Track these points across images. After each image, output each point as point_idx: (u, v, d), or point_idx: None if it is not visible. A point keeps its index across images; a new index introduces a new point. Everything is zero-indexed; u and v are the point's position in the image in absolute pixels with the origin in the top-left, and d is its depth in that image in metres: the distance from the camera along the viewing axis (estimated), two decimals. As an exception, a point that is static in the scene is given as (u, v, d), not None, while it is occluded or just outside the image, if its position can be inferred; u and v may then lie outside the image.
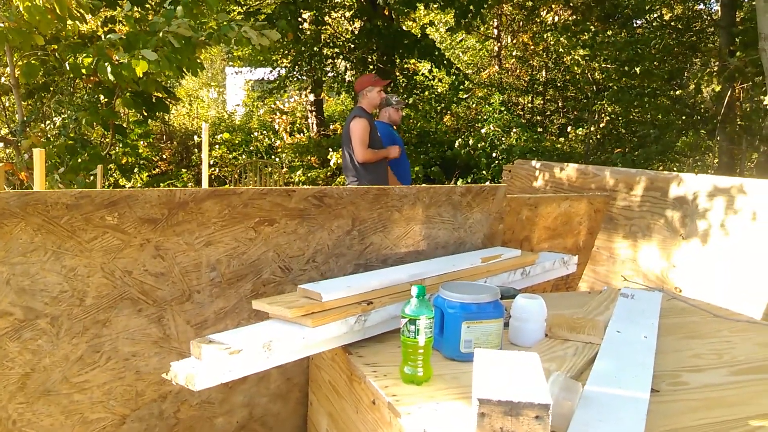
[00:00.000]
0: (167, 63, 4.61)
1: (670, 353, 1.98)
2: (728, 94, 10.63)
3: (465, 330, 1.82)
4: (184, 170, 12.39)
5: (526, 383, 1.38)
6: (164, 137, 13.65)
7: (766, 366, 1.91)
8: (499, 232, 2.84)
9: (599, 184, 4.31)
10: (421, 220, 2.60)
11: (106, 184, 8.29)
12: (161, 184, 11.32)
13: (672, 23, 14.29)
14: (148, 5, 6.10)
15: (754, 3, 5.45)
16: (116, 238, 1.88)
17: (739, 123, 11.11)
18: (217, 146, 12.83)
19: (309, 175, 11.53)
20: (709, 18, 14.27)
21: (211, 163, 12.33)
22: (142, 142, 11.02)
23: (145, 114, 5.94)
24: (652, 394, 1.63)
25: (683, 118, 12.14)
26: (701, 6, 14.88)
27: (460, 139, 11.48)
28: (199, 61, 5.24)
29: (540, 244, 3.08)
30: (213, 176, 12.42)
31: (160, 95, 5.88)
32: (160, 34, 4.66)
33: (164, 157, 13.10)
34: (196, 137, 13.08)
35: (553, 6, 13.24)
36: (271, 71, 12.37)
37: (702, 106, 12.94)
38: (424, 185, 2.63)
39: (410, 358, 1.67)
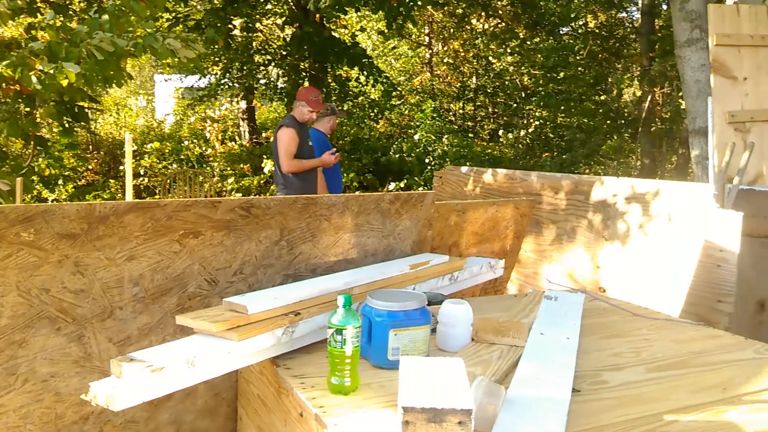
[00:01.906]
0: (92, 76, 4.49)
1: (591, 353, 2.04)
2: (649, 98, 11.05)
3: (392, 338, 1.83)
4: (112, 181, 12.05)
5: (450, 389, 1.40)
6: (90, 147, 13.25)
7: (680, 362, 1.99)
8: (427, 238, 2.88)
9: (526, 189, 4.42)
10: (350, 229, 2.60)
11: (28, 198, 7.99)
12: (87, 196, 10.98)
13: (596, 30, 14.79)
14: (71, 12, 5.92)
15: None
16: (33, 255, 1.82)
17: (659, 126, 11.58)
18: (146, 155, 12.54)
19: (242, 183, 11.39)
20: (630, 25, 14.83)
21: (141, 172, 12.05)
22: (68, 153, 10.67)
23: (67, 124, 5.74)
24: (573, 394, 1.68)
25: (608, 122, 12.56)
26: (623, 14, 15.46)
27: (394, 146, 11.57)
28: (126, 71, 5.11)
29: (468, 249, 3.13)
30: (142, 186, 12.14)
31: (84, 104, 5.71)
32: (83, 48, 4.52)
33: (90, 167, 12.71)
34: (124, 146, 12.74)
35: (482, 14, 13.48)
36: (201, 79, 12.16)
37: (625, 110, 13.42)
38: (352, 193, 2.64)
39: (337, 368, 1.67)
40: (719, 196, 3.74)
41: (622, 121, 12.78)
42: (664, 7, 11.95)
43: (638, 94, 11.68)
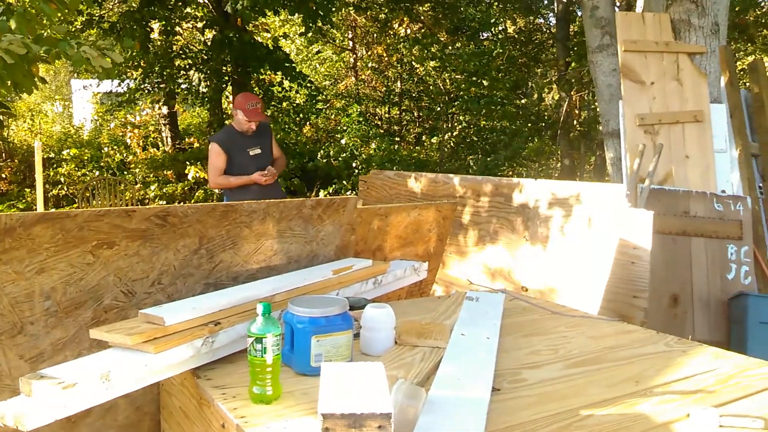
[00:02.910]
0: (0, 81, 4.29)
1: (511, 352, 2.09)
2: (566, 102, 11.40)
3: (315, 344, 1.83)
4: (27, 190, 11.56)
5: (370, 394, 1.40)
6: (4, 155, 12.68)
7: (596, 358, 2.06)
8: (351, 243, 2.88)
9: (449, 192, 4.49)
10: (272, 235, 2.58)
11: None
12: (0, 207, 10.50)
13: (515, 36, 15.17)
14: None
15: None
16: (-68, 271, 1.73)
17: (577, 129, 11.98)
18: (64, 163, 12.10)
19: (165, 190, 11.13)
20: (548, 31, 15.28)
21: (62, 180, 11.63)
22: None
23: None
24: (493, 393, 1.71)
25: (529, 125, 12.89)
26: (541, 20, 15.91)
27: (321, 151, 11.54)
28: (38, 76, 4.90)
29: (392, 253, 3.15)
30: (60, 195, 11.71)
31: (-8, 110, 5.46)
32: None
33: (4, 176, 12.16)
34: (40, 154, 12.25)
35: (405, 19, 13.62)
36: (120, 84, 11.81)
37: (545, 113, 13.81)
38: (274, 200, 2.62)
39: (258, 377, 1.65)
40: (632, 195, 3.90)
41: (543, 124, 13.17)
42: (579, 13, 12.37)
43: (557, 97, 12.06)
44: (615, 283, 3.57)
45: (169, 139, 12.80)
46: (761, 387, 1.82)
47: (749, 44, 13.51)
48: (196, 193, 11.24)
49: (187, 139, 12.85)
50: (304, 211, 2.68)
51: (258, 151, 4.65)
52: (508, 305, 2.62)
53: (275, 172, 4.62)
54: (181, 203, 10.71)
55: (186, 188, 11.24)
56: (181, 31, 12.44)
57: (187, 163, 11.10)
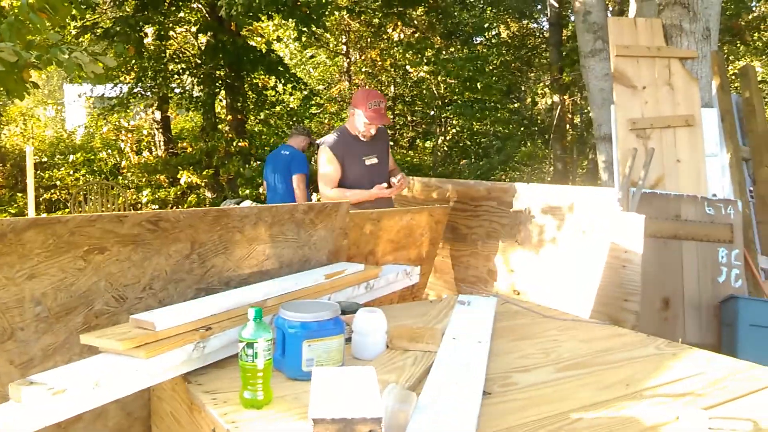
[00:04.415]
0: None
1: (502, 355, 2.09)
2: (559, 106, 11.44)
3: (306, 349, 1.83)
4: (19, 194, 11.52)
5: (360, 398, 1.41)
6: (-5, 160, 12.66)
7: (585, 361, 2.07)
8: (343, 247, 2.88)
9: (442, 196, 4.50)
10: (264, 240, 2.58)
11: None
12: (-8, 211, 10.48)
13: (509, 41, 15.23)
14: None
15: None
16: None
17: (570, 133, 12.02)
18: (55, 168, 12.07)
19: (158, 195, 11.11)
20: (541, 36, 15.33)
21: (57, 184, 11.60)
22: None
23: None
24: (484, 397, 1.72)
25: (522, 129, 12.94)
26: (534, 25, 15.98)
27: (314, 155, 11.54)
28: (30, 82, 4.89)
29: (385, 257, 3.16)
30: (53, 199, 11.68)
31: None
32: None
33: (-5, 181, 12.15)
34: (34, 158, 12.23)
35: (399, 23, 13.65)
36: (113, 88, 11.79)
37: (538, 117, 13.86)
38: (265, 205, 2.62)
39: (249, 382, 1.65)
40: (623, 199, 3.91)
41: (535, 129, 13.21)
42: (572, 18, 12.43)
43: (550, 102, 12.12)
44: (606, 287, 3.58)
45: (162, 144, 12.78)
46: (750, 389, 1.83)
47: (742, 47, 13.59)
48: (189, 198, 11.22)
49: (180, 144, 12.83)
50: (297, 216, 2.68)
51: (374, 160, 3.97)
52: (499, 309, 2.63)
53: (403, 185, 3.95)
54: (174, 208, 10.70)
55: (179, 193, 11.22)
56: (174, 36, 12.44)
57: (180, 167, 11.07)
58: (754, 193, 4.77)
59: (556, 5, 11.62)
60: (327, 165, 3.85)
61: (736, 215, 4.21)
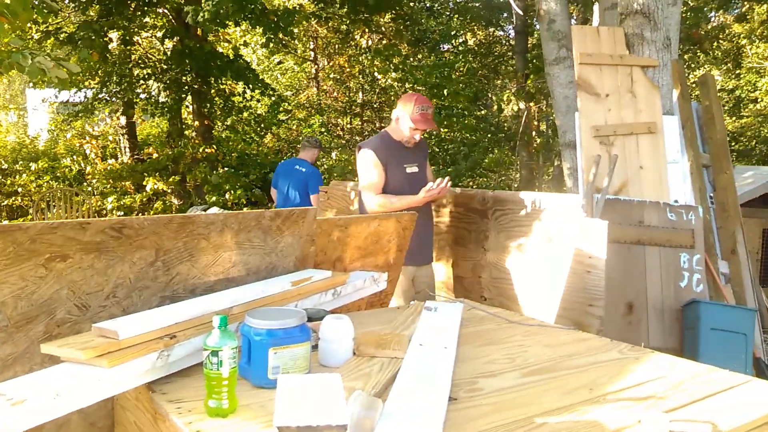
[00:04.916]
0: None
1: (468, 361, 2.11)
2: (525, 113, 11.58)
3: (272, 356, 1.82)
4: (-22, 201, 11.30)
5: (326, 405, 1.41)
6: (-47, 167, 12.38)
7: (550, 366, 2.09)
8: (310, 254, 2.88)
9: (410, 202, 4.51)
10: (230, 247, 2.56)
11: None
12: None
13: (475, 48, 15.38)
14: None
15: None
16: None
17: (536, 140, 12.17)
18: (18, 174, 11.85)
19: (123, 201, 10.96)
20: (507, 43, 15.51)
21: (18, 191, 11.38)
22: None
23: None
24: (450, 403, 1.72)
25: (489, 136, 13.06)
26: (500, 32, 16.16)
27: (282, 161, 11.51)
28: None
29: (352, 264, 3.15)
30: (15, 206, 11.46)
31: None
32: None
33: (-47, 188, 11.87)
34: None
35: (366, 30, 13.70)
36: (77, 93, 11.62)
37: (505, 124, 14.01)
38: (232, 211, 2.60)
39: (214, 390, 1.64)
40: (588, 206, 3.97)
41: (502, 135, 13.35)
42: (537, 26, 12.60)
43: (516, 109, 12.26)
44: (571, 292, 3.63)
45: (127, 150, 12.63)
46: (709, 392, 1.86)
47: (701, 56, 13.91)
48: (155, 205, 11.10)
49: (146, 150, 12.69)
50: (263, 223, 2.67)
51: (415, 169, 3.82)
52: (466, 315, 2.64)
53: (445, 189, 3.66)
54: (140, 215, 10.57)
55: (144, 200, 11.09)
56: (140, 41, 12.31)
57: (146, 174, 10.94)
58: (714, 199, 4.88)
59: (521, 13, 11.77)
60: (371, 170, 3.65)
61: (697, 221, 4.30)
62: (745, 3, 13.71)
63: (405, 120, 3.68)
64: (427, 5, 14.17)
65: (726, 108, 16.77)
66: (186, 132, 11.69)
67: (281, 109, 12.45)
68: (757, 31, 15.18)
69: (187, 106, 12.30)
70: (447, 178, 3.64)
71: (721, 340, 3.87)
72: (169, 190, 11.13)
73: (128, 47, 11.23)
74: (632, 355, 2.22)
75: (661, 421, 1.61)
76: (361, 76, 14.40)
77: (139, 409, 1.94)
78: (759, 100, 16.53)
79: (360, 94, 14.71)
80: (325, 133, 12.18)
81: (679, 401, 1.80)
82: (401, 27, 13.40)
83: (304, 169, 6.20)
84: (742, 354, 3.94)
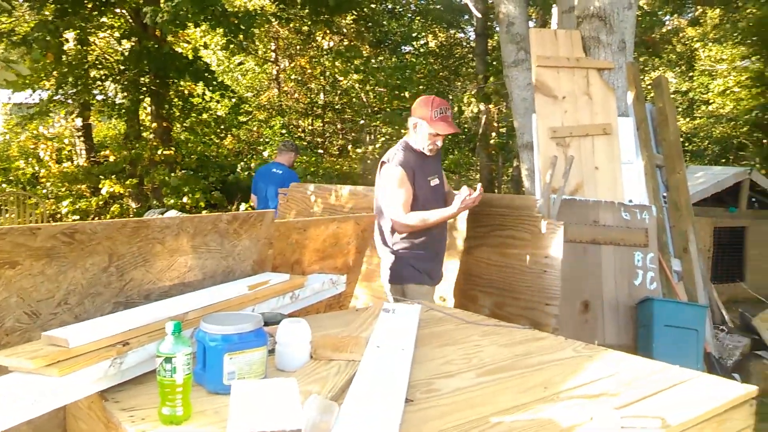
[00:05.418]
0: None
1: (425, 362, 2.12)
2: (485, 115, 11.68)
3: (227, 362, 1.80)
4: (-72, 206, 10.94)
5: (281, 410, 1.40)
6: None
7: (506, 365, 2.11)
8: (268, 257, 2.86)
9: (370, 204, 4.51)
10: (186, 251, 2.53)
11: None
12: None
13: (436, 50, 15.47)
14: None
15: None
16: None
17: (496, 141, 12.29)
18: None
19: (79, 205, 10.74)
20: (467, 46, 15.64)
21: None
22: None
23: None
24: (406, 404, 1.73)
25: (449, 137, 13.13)
26: (461, 35, 16.29)
27: (242, 163, 11.41)
28: None
29: (311, 267, 3.15)
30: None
31: None
32: None
33: None
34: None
35: (328, 31, 13.67)
36: (31, 95, 11.34)
37: (465, 126, 14.11)
38: (188, 215, 2.57)
39: (168, 397, 1.61)
40: (544, 206, 4.02)
41: (462, 137, 13.44)
42: (497, 29, 12.74)
43: (476, 111, 12.37)
44: (529, 292, 3.68)
45: (83, 152, 12.38)
46: (659, 388, 1.91)
47: (656, 59, 14.20)
48: (112, 208, 10.89)
49: (102, 152, 12.45)
50: (220, 226, 2.65)
51: (436, 180, 3.52)
52: (424, 316, 2.66)
53: (479, 198, 3.35)
54: (96, 218, 10.38)
55: (101, 203, 10.88)
56: (97, 42, 12.08)
57: (102, 176, 10.74)
58: (667, 199, 4.99)
59: (480, 16, 11.87)
60: (400, 187, 3.32)
61: (651, 220, 4.39)
62: (698, 7, 14.07)
63: (424, 127, 3.35)
64: (389, 7, 14.23)
65: (679, 109, 17.16)
66: (144, 134, 11.51)
67: (242, 110, 12.36)
68: (709, 35, 15.57)
69: (145, 108, 12.11)
70: (479, 185, 3.41)
71: (673, 337, 3.96)
72: (126, 193, 10.94)
73: (85, 48, 11.01)
74: (586, 353, 2.25)
75: (612, 418, 1.64)
76: (322, 78, 14.38)
77: (91, 418, 1.90)
78: (711, 101, 16.96)
79: (321, 95, 14.68)
80: (286, 135, 12.12)
81: (630, 397, 1.84)
82: (362, 28, 13.42)
83: (281, 172, 6.35)
84: (694, 349, 4.04)
